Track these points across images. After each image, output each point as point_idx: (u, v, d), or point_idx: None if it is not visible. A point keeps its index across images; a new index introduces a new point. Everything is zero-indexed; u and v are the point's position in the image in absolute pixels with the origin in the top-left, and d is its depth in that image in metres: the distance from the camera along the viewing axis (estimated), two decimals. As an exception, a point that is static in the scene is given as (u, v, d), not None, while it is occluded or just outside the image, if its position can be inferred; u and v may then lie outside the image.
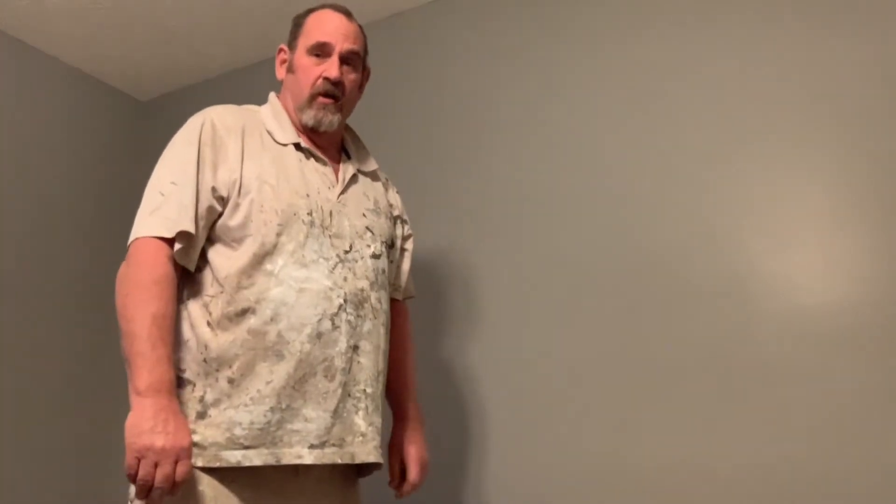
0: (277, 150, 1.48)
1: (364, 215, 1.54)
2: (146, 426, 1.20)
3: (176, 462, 1.20)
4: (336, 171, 1.56)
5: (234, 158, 1.42)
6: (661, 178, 2.03)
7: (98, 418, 2.67)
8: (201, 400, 1.32)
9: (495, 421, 2.10)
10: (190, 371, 1.35)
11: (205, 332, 1.35)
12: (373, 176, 1.67)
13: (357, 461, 1.40)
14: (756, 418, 1.77)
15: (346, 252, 1.46)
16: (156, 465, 1.19)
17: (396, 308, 1.73)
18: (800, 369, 1.75)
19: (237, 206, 1.39)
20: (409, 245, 1.77)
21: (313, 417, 1.34)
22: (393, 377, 1.65)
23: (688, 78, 2.06)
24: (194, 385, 1.34)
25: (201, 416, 1.31)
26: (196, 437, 1.29)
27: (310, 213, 1.43)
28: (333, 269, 1.42)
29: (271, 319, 1.34)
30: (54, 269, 2.67)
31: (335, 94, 1.53)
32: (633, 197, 2.05)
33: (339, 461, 1.36)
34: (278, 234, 1.38)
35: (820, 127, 1.87)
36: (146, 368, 1.24)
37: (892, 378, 1.66)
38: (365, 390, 1.42)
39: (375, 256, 1.52)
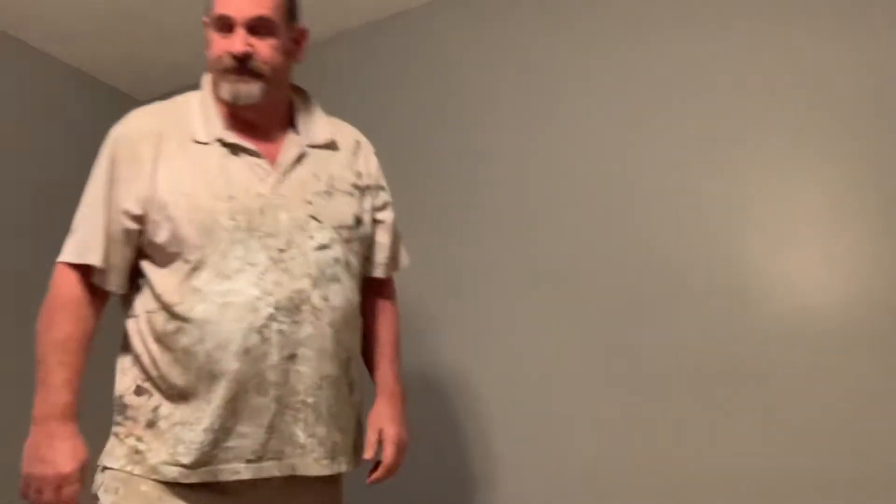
0: (198, 152, 1.37)
1: (309, 202, 1.40)
2: (31, 454, 1.26)
3: (59, 488, 1.25)
4: (274, 157, 1.42)
5: (148, 173, 1.34)
6: (660, 178, 2.03)
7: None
8: (155, 410, 1.31)
9: (488, 422, 2.10)
10: (148, 382, 1.34)
11: (153, 347, 1.33)
12: (329, 147, 1.50)
13: (298, 473, 1.33)
14: (754, 418, 1.77)
15: (282, 251, 1.34)
16: (39, 492, 1.24)
17: (377, 284, 1.60)
18: (799, 369, 1.75)
19: (157, 223, 1.33)
20: (386, 215, 1.59)
21: (248, 433, 1.29)
22: (370, 351, 1.58)
23: (687, 78, 2.06)
24: (150, 395, 1.33)
25: (151, 424, 1.31)
26: (141, 446, 1.30)
27: (233, 218, 1.32)
28: (263, 274, 1.31)
29: (199, 340, 1.28)
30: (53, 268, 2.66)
31: (241, 69, 1.38)
32: (632, 196, 2.05)
33: (278, 474, 1.31)
34: (201, 248, 1.31)
35: (819, 127, 1.87)
36: (40, 396, 1.29)
37: (891, 378, 1.66)
38: (305, 401, 1.32)
39: (322, 248, 1.38)
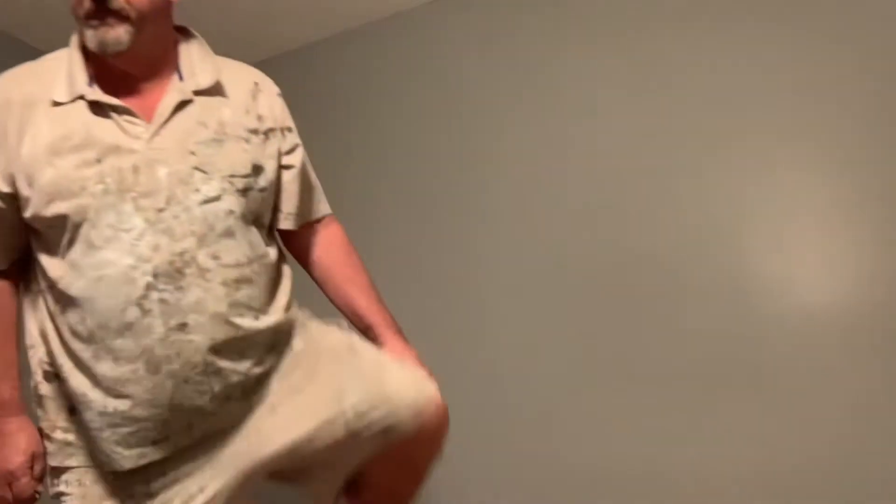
0: (59, 115, 1.25)
1: (192, 153, 1.26)
2: None
3: (9, 484, 1.22)
4: (151, 109, 1.28)
5: (13, 146, 1.24)
6: (660, 178, 2.03)
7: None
8: (68, 395, 1.25)
9: (484, 420, 2.10)
10: (54, 366, 1.27)
11: (48, 327, 1.26)
12: (216, 91, 1.35)
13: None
14: (753, 418, 1.77)
15: (161, 211, 1.21)
16: None
17: (308, 232, 1.49)
18: (798, 369, 1.75)
19: (27, 198, 1.23)
20: (294, 159, 1.44)
21: (146, 416, 1.20)
22: (334, 297, 1.47)
23: (686, 77, 2.06)
24: (59, 379, 1.26)
25: (72, 411, 1.26)
26: (69, 437, 1.26)
27: (102, 181, 1.21)
28: (138, 240, 1.19)
29: (81, 319, 1.19)
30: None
31: (102, 11, 1.25)
32: (631, 196, 2.05)
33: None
34: (71, 218, 1.20)
35: (820, 127, 1.87)
36: None
37: (891, 378, 1.66)
38: (205, 370, 1.20)
39: (209, 201, 1.25)
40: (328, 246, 1.50)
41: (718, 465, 1.78)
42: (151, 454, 1.21)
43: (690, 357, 1.87)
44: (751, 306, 1.83)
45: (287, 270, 1.41)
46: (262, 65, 2.90)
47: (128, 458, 1.20)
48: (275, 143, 1.39)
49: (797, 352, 1.76)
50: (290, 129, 1.46)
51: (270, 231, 1.40)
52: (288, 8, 2.52)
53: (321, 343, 1.37)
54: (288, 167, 1.42)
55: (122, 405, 1.19)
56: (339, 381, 1.30)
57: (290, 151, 1.44)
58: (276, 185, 1.40)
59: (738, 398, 1.79)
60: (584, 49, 2.24)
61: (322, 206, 1.52)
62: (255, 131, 1.36)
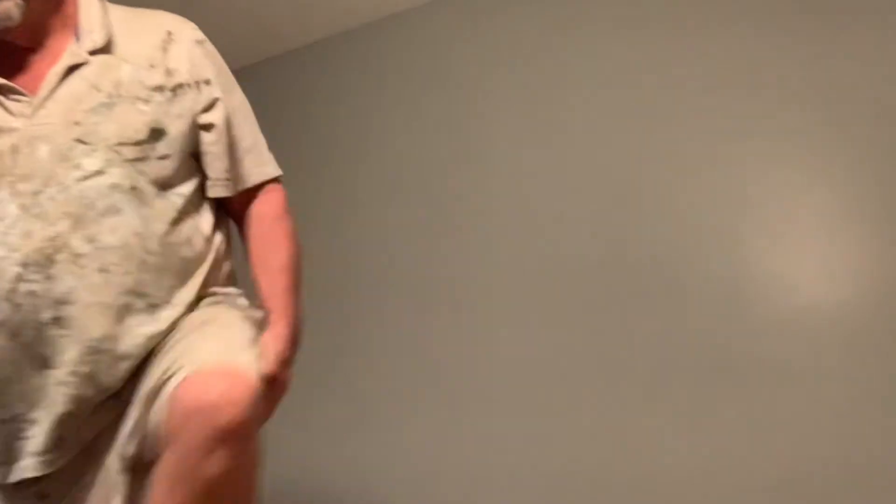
0: None
1: (77, 123, 1.13)
2: None
3: None
4: (37, 81, 1.15)
5: None
6: (659, 178, 2.03)
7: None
8: None
9: (481, 421, 2.10)
10: None
11: None
12: (115, 48, 1.20)
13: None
14: (752, 418, 1.77)
15: (37, 194, 1.10)
16: None
17: (245, 201, 1.28)
18: (798, 369, 1.75)
19: None
20: (213, 117, 1.23)
21: (37, 419, 1.09)
22: (256, 281, 1.28)
23: (687, 78, 2.06)
24: None
25: None
26: None
27: None
28: (10, 228, 1.08)
29: None
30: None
31: None
32: (631, 195, 2.06)
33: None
34: None
35: (820, 126, 1.87)
36: None
37: (891, 377, 1.66)
38: (75, 371, 1.07)
39: (91, 176, 1.12)
40: (259, 219, 1.28)
41: (719, 464, 1.78)
42: (32, 470, 1.08)
43: (690, 357, 1.87)
44: (751, 306, 1.83)
45: (219, 245, 1.23)
46: (262, 64, 2.92)
47: (21, 469, 1.08)
48: (186, 100, 1.20)
49: (797, 351, 1.76)
50: (207, 82, 1.23)
51: (198, 201, 1.22)
52: (288, 8, 2.52)
53: (188, 320, 1.17)
54: (207, 127, 1.22)
55: (18, 408, 1.08)
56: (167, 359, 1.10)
57: (209, 108, 1.22)
58: (193, 146, 1.21)
59: (738, 398, 1.79)
60: (584, 49, 2.24)
61: (259, 171, 1.28)
62: (159, 88, 1.18)
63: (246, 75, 2.95)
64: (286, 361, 1.18)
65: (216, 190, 1.23)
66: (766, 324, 1.80)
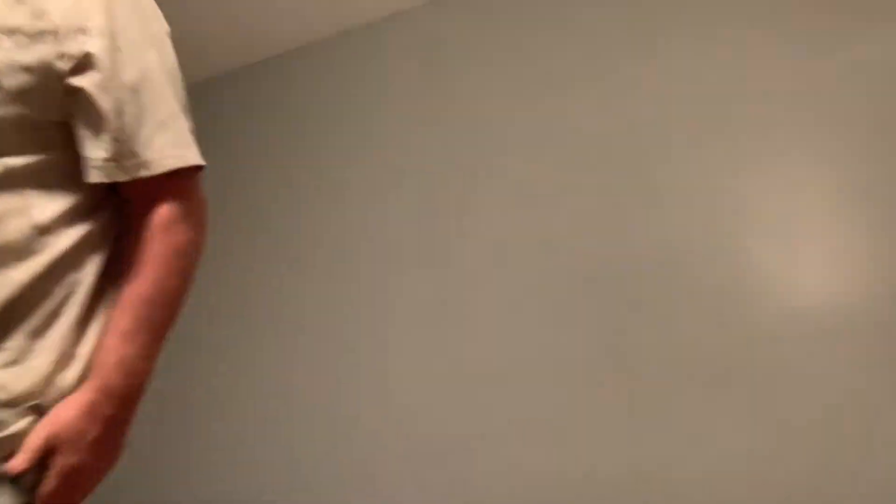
0: None
1: None
2: None
3: None
4: None
5: None
6: (659, 178, 2.03)
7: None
8: None
9: (478, 423, 2.10)
10: None
11: None
12: None
13: None
14: (751, 418, 1.76)
15: None
16: None
17: (139, 194, 0.96)
18: (798, 369, 1.75)
19: None
20: (89, 80, 0.92)
21: None
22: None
23: (687, 78, 2.06)
24: None
25: None
26: None
27: None
28: None
29: None
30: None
31: None
32: (631, 195, 2.05)
33: None
34: None
35: (820, 127, 1.87)
36: None
37: (891, 377, 1.66)
38: None
39: None
40: (143, 225, 0.95)
41: (719, 465, 1.78)
42: None
43: (689, 357, 1.87)
44: (750, 306, 1.83)
45: (66, 249, 0.92)
46: (262, 65, 2.92)
47: None
48: (46, 50, 0.90)
49: (797, 351, 1.76)
50: (83, 31, 0.92)
51: (44, 180, 0.92)
52: (287, 8, 2.52)
53: None
54: (73, 92, 0.91)
55: None
56: None
57: (79, 69, 0.91)
58: (49, 112, 0.92)
59: (738, 397, 1.79)
60: (584, 49, 2.24)
61: (166, 156, 0.95)
62: (13, 31, 0.90)
63: (247, 74, 2.96)
64: (80, 442, 0.86)
65: (95, 173, 0.92)
66: (767, 325, 1.80)
